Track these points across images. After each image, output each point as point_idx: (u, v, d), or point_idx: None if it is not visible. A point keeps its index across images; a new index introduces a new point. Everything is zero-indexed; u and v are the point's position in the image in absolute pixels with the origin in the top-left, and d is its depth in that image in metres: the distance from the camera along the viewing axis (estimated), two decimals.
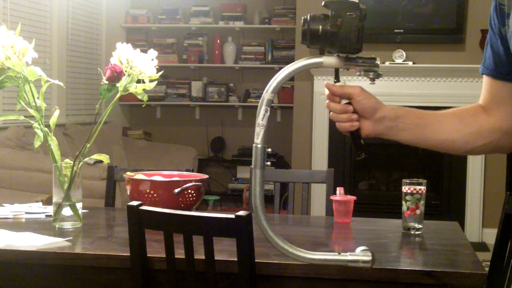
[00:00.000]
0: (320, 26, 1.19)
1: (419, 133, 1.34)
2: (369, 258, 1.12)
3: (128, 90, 2.21)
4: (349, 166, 5.69)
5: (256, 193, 1.17)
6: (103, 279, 1.89)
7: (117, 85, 2.18)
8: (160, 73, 2.24)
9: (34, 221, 2.32)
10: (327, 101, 1.31)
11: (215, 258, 1.69)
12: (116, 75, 2.15)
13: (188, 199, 2.21)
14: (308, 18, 1.20)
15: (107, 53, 6.20)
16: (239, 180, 6.30)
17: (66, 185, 2.15)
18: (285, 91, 6.28)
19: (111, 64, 2.16)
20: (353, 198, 2.40)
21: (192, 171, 2.58)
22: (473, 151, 1.38)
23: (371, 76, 1.26)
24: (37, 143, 2.13)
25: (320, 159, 5.62)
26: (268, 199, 5.75)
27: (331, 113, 1.31)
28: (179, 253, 1.73)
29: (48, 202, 2.55)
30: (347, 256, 1.14)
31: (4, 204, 2.55)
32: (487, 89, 1.35)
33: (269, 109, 1.19)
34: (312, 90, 5.65)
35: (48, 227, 2.17)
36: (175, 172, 2.46)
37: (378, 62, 1.25)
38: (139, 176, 2.31)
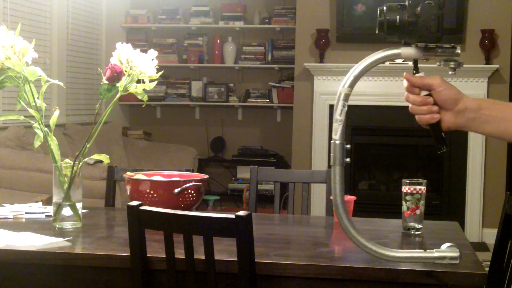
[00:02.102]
0: (398, 16, 1.15)
1: (503, 126, 1.29)
2: (456, 254, 1.10)
3: (128, 90, 2.21)
4: (349, 166, 5.68)
5: (336, 191, 1.14)
6: (103, 279, 1.89)
7: (117, 85, 2.18)
8: (160, 73, 2.24)
9: (34, 221, 2.32)
10: (406, 93, 1.27)
11: (215, 258, 1.69)
12: (116, 75, 2.15)
13: (188, 199, 2.21)
14: (385, 8, 1.16)
15: (107, 53, 6.21)
16: (239, 180, 6.30)
17: (66, 185, 2.15)
18: (285, 91, 6.29)
19: (111, 64, 2.16)
20: (353, 198, 2.40)
21: (192, 171, 2.58)
22: None
23: (452, 66, 1.21)
24: (37, 143, 2.13)
25: (320, 159, 5.62)
26: (268, 199, 5.80)
27: (410, 105, 1.27)
28: (179, 253, 1.73)
29: (48, 202, 2.55)
30: (434, 253, 1.11)
31: (4, 204, 2.55)
32: None
33: (346, 104, 1.15)
34: (312, 90, 5.65)
35: (48, 227, 2.17)
36: (175, 172, 2.46)
37: (458, 50, 1.20)
38: (139, 176, 2.31)
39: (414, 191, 2.21)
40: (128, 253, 1.77)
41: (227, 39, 6.53)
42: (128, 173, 2.33)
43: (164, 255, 1.73)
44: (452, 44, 1.19)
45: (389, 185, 5.96)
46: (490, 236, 5.28)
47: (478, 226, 5.44)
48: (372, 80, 5.40)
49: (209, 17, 6.49)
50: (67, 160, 2.17)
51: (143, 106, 2.45)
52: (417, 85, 1.26)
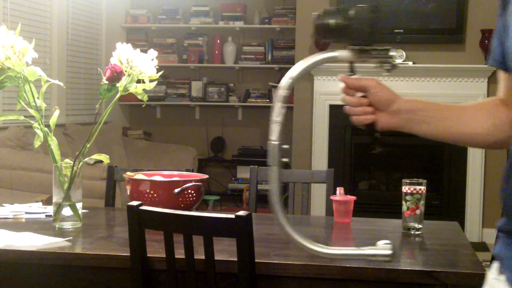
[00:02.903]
0: (332, 20, 1.17)
1: (438, 126, 1.31)
2: (389, 252, 1.10)
3: (128, 90, 2.21)
4: (349, 166, 5.69)
5: (272, 190, 1.15)
6: (103, 279, 1.89)
7: (117, 85, 2.18)
8: (160, 73, 2.24)
9: (34, 221, 2.32)
10: (343, 94, 1.29)
11: (215, 258, 1.69)
12: (116, 75, 2.15)
13: (188, 199, 2.21)
14: (321, 12, 1.19)
15: (107, 53, 6.20)
16: (239, 180, 6.30)
17: (66, 185, 2.15)
18: None
19: (111, 64, 2.16)
20: (353, 198, 2.40)
21: (192, 171, 2.58)
22: (495, 144, 1.34)
23: (386, 68, 1.24)
24: (37, 143, 2.13)
25: (320, 159, 5.62)
26: (268, 199, 5.78)
27: (346, 106, 1.29)
28: (179, 253, 1.73)
29: (48, 202, 2.55)
30: (366, 251, 1.12)
31: (4, 204, 2.55)
32: (503, 82, 1.31)
33: (284, 106, 1.17)
34: (312, 90, 5.65)
35: (48, 227, 2.17)
36: (175, 172, 2.46)
37: (393, 53, 1.22)
38: (139, 176, 2.31)
39: (414, 191, 2.21)
40: (128, 253, 1.77)
41: (227, 39, 6.53)
42: (128, 173, 2.33)
43: (164, 255, 1.73)
44: (386, 47, 1.22)
45: (389, 185, 5.96)
46: (490, 236, 5.28)
47: (478, 226, 5.43)
48: None
49: (209, 17, 6.49)
50: (67, 160, 2.17)
51: (143, 106, 2.45)
52: (353, 87, 1.28)
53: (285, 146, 1.17)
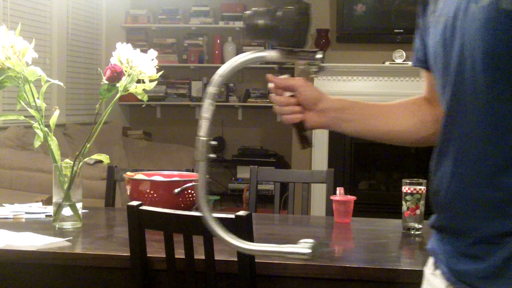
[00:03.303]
0: (261, 21, 1.19)
1: (365, 124, 1.35)
2: (307, 251, 1.11)
3: (128, 90, 2.21)
4: (349, 166, 5.69)
5: (200, 186, 1.17)
6: (103, 279, 1.89)
7: (117, 85, 2.18)
8: (160, 73, 2.24)
9: (34, 221, 2.32)
10: (271, 94, 1.32)
11: (215, 258, 1.69)
12: (116, 75, 2.15)
13: (188, 199, 2.21)
14: (251, 12, 1.20)
15: (107, 53, 6.20)
16: (239, 180, 6.30)
17: (66, 185, 2.15)
18: None
19: (111, 64, 2.16)
20: (353, 198, 2.40)
21: (192, 171, 2.58)
22: (419, 142, 1.38)
23: (313, 70, 1.25)
24: (37, 143, 2.13)
25: (320, 159, 5.62)
26: (268, 199, 5.79)
27: (275, 106, 1.32)
28: (179, 253, 1.73)
29: (48, 202, 2.55)
30: (284, 248, 1.13)
31: (4, 204, 2.55)
32: (426, 81, 1.34)
33: (213, 102, 1.19)
34: None
35: (48, 227, 2.17)
36: (175, 172, 2.46)
37: (320, 55, 1.23)
38: (139, 176, 2.31)
39: (414, 191, 2.21)
40: (128, 253, 1.77)
41: (227, 39, 6.53)
42: (128, 173, 2.33)
43: (164, 255, 1.73)
44: (315, 49, 1.23)
45: (389, 185, 5.96)
46: None
47: None
48: (372, 80, 5.40)
49: (209, 17, 6.49)
50: (67, 160, 2.17)
51: (143, 106, 2.45)
52: (281, 86, 1.30)
53: (213, 143, 1.18)
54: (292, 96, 1.30)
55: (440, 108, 1.27)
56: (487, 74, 1.01)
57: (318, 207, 5.31)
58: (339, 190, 2.41)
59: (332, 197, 2.42)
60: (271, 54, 1.21)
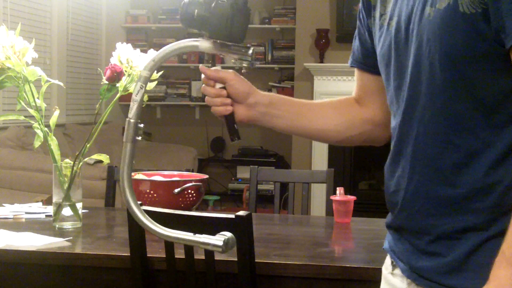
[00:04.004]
0: (196, 10, 1.19)
1: (293, 121, 1.37)
2: (220, 243, 1.12)
3: (128, 90, 2.21)
4: (349, 166, 5.69)
5: (124, 168, 1.17)
6: (103, 279, 1.89)
7: (117, 85, 2.18)
8: (160, 73, 2.24)
9: (34, 221, 2.32)
10: (203, 85, 1.33)
11: (215, 258, 1.69)
12: (116, 75, 2.15)
13: (188, 199, 2.21)
14: (187, 0, 1.21)
15: (107, 53, 6.21)
16: (239, 180, 6.30)
17: (66, 185, 2.15)
18: (285, 91, 6.28)
19: (111, 64, 2.16)
20: (353, 198, 2.40)
21: (192, 171, 2.58)
22: (346, 141, 1.40)
23: (244, 65, 1.25)
24: (37, 143, 2.13)
25: (320, 159, 5.62)
26: (268, 199, 5.79)
27: (206, 97, 1.33)
28: (179, 253, 1.73)
29: (48, 202, 2.55)
30: (200, 238, 1.14)
31: (4, 204, 2.55)
32: (358, 82, 1.37)
33: (144, 86, 1.18)
34: (312, 90, 5.65)
35: (48, 227, 2.17)
36: (175, 172, 2.46)
37: (251, 51, 1.24)
38: (139, 176, 2.31)
39: None
40: (128, 253, 1.77)
41: None
42: None
43: (164, 255, 1.73)
44: (248, 45, 1.23)
45: None
46: None
47: None
48: None
49: None
50: (67, 160, 2.17)
51: (143, 106, 2.44)
52: (212, 78, 1.31)
53: (141, 125, 1.19)
54: (223, 88, 1.32)
55: (368, 109, 1.33)
56: (445, 75, 1.03)
57: (318, 207, 5.31)
58: (339, 190, 2.41)
59: (332, 197, 2.42)
60: (204, 44, 1.21)
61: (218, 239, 1.12)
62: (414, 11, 1.08)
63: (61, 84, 2.33)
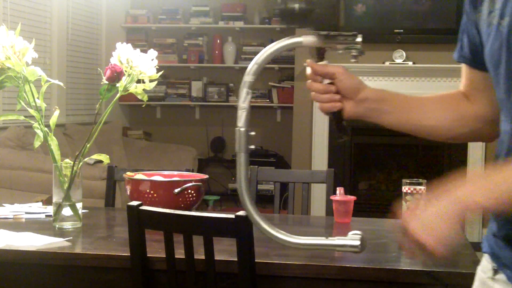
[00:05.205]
0: (297, 5, 1.16)
1: (402, 117, 1.31)
2: (357, 242, 1.09)
3: (128, 90, 2.21)
4: (349, 166, 5.68)
5: (241, 178, 1.14)
6: (103, 279, 1.89)
7: (117, 85, 2.18)
8: (160, 73, 2.24)
9: (34, 221, 2.32)
10: (309, 81, 1.27)
11: (215, 258, 1.69)
12: (116, 75, 2.15)
13: (188, 199, 2.21)
14: None
15: (107, 53, 6.20)
16: None
17: (66, 185, 2.15)
18: (285, 91, 6.28)
19: (111, 64, 2.16)
20: (353, 198, 2.40)
21: (192, 171, 2.58)
22: (456, 138, 1.35)
23: (353, 54, 1.22)
24: (37, 143, 2.13)
25: (320, 159, 5.61)
26: (268, 199, 5.79)
27: (312, 93, 1.27)
28: (179, 253, 1.73)
29: (48, 202, 2.55)
30: (335, 241, 1.10)
31: (4, 204, 2.55)
32: (467, 77, 1.31)
33: (250, 91, 1.16)
34: None
35: (48, 227, 2.17)
36: (175, 172, 2.46)
37: (359, 39, 1.20)
38: (139, 176, 2.31)
39: (414, 191, 2.21)
40: (128, 253, 1.77)
41: (227, 39, 6.52)
42: (128, 173, 2.33)
43: (164, 255, 1.73)
44: (354, 32, 1.19)
45: (389, 185, 5.96)
46: None
47: (478, 226, 5.43)
48: (372, 80, 5.40)
49: (209, 17, 6.49)
50: (67, 160, 2.17)
51: (143, 106, 2.45)
52: (320, 73, 1.26)
53: (252, 133, 1.17)
54: (330, 83, 1.26)
55: (479, 106, 1.25)
56: None
57: (318, 207, 5.31)
58: (339, 190, 2.41)
59: (332, 197, 2.42)
60: (308, 39, 1.17)
61: (353, 238, 1.09)
62: None
63: (61, 84, 2.33)
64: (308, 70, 1.26)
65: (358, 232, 1.08)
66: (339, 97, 1.26)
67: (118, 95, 2.20)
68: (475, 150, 5.41)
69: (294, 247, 1.12)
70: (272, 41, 6.64)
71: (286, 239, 1.11)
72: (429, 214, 1.01)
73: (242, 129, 1.16)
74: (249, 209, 1.10)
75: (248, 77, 1.16)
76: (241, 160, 1.16)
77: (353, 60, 1.23)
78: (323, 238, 1.11)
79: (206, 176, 2.34)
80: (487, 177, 1.03)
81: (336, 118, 1.28)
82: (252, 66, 1.16)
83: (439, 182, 1.06)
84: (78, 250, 1.96)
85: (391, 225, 2.42)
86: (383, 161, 5.94)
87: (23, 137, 4.51)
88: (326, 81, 1.26)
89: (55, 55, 5.42)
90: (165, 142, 6.58)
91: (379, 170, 6.01)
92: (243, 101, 1.16)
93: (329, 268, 1.76)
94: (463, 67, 1.30)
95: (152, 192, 2.18)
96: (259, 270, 1.71)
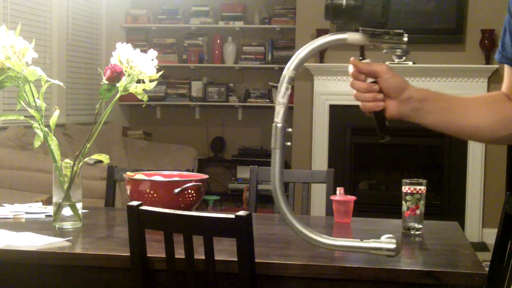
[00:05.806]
0: (344, 0, 1.12)
1: (446, 118, 1.27)
2: (393, 246, 1.06)
3: (128, 90, 2.21)
4: (349, 166, 5.68)
5: (275, 174, 1.09)
6: (103, 279, 1.89)
7: (117, 85, 2.18)
8: (160, 73, 2.24)
9: (34, 221, 2.32)
10: (351, 79, 1.23)
11: (215, 258, 1.69)
12: (116, 75, 2.15)
13: (188, 199, 2.21)
14: None
15: (107, 53, 6.21)
16: (239, 180, 6.30)
17: (66, 185, 2.15)
18: None
19: (111, 64, 2.16)
20: (353, 198, 2.40)
21: (192, 171, 2.58)
22: (499, 140, 1.31)
23: (398, 54, 1.19)
24: (37, 143, 2.13)
25: (320, 159, 5.62)
26: (268, 199, 5.78)
27: (355, 92, 1.23)
28: (179, 253, 1.73)
29: (48, 202, 2.55)
30: (370, 244, 1.08)
31: (4, 204, 2.55)
32: (509, 79, 1.28)
33: (290, 87, 1.11)
34: (312, 90, 5.65)
35: (48, 227, 2.17)
36: (175, 172, 2.45)
37: (406, 38, 1.17)
38: (139, 176, 2.31)
39: (414, 191, 2.21)
40: (128, 253, 1.77)
41: (227, 39, 6.53)
42: (128, 173, 2.33)
43: (164, 255, 1.73)
44: (400, 31, 1.16)
45: (389, 185, 5.96)
46: (490, 236, 5.28)
47: (478, 226, 5.43)
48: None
49: (209, 17, 6.49)
50: (67, 160, 2.16)
51: (143, 106, 2.45)
52: (363, 72, 1.22)
53: (289, 130, 1.12)
54: (374, 82, 1.22)
55: None
56: None
57: (318, 207, 5.31)
58: (339, 190, 2.41)
59: (332, 197, 2.42)
60: (353, 36, 1.14)
61: (389, 242, 1.06)
62: None
63: (61, 84, 2.33)
64: (351, 69, 1.22)
65: (391, 235, 1.07)
66: (382, 96, 1.23)
67: (118, 95, 2.20)
68: (475, 150, 5.41)
69: (327, 248, 1.09)
70: (272, 41, 6.61)
71: (320, 240, 1.09)
72: None
73: (279, 125, 1.11)
74: (283, 209, 1.07)
75: (289, 72, 1.11)
76: (276, 157, 1.11)
77: (397, 60, 1.20)
78: (358, 240, 1.09)
79: (206, 176, 2.34)
80: None
81: (378, 117, 1.24)
82: (293, 61, 1.12)
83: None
84: (78, 250, 1.96)
85: (391, 225, 2.42)
86: (383, 161, 5.94)
87: (23, 137, 4.51)
88: (369, 79, 1.23)
89: (55, 55, 5.42)
90: (165, 142, 6.58)
91: (379, 170, 6.01)
92: (282, 96, 1.11)
93: (329, 268, 1.76)
94: (506, 68, 1.28)
95: (152, 192, 2.18)
96: (259, 270, 1.71)
